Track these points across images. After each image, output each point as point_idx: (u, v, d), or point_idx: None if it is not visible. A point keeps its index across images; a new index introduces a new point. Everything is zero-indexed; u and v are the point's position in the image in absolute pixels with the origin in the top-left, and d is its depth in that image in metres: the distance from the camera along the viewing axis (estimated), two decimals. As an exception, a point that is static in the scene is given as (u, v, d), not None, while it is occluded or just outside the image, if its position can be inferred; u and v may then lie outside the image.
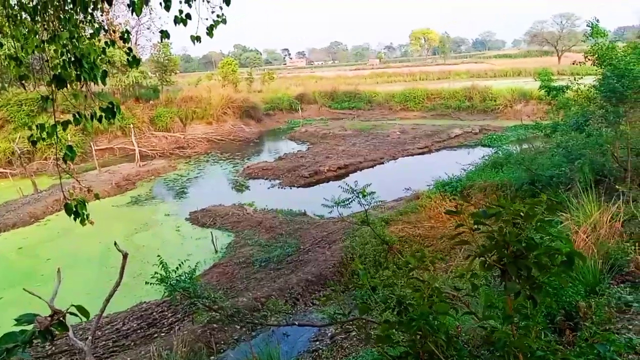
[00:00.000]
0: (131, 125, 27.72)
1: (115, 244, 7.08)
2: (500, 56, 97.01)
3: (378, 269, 10.37)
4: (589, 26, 11.61)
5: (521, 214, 1.77)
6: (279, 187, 19.63)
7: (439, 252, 10.64)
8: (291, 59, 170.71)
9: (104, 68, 3.88)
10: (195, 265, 8.39)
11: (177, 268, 7.36)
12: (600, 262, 5.39)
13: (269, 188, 19.73)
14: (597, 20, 11.44)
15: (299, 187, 19.52)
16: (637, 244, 5.57)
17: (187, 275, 7.34)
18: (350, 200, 8.89)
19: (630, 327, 4.17)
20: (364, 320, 4.66)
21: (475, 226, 1.90)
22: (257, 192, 19.29)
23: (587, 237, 5.91)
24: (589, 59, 11.08)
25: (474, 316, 2.40)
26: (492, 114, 33.20)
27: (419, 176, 17.70)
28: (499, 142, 23.62)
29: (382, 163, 22.80)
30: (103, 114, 3.71)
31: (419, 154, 24.49)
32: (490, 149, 21.00)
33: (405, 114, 37.06)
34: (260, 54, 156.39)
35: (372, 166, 22.29)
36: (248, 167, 23.15)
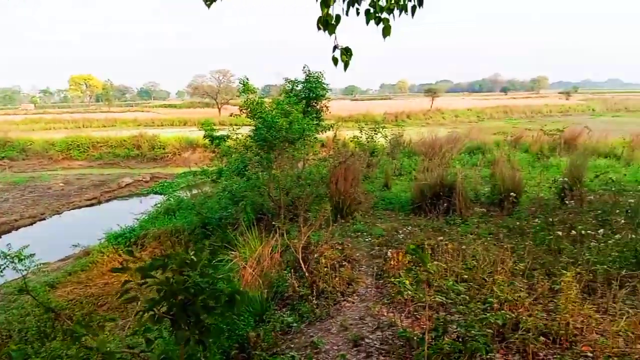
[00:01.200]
0: None
1: None
2: (166, 106, 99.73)
3: (44, 342, 8.96)
4: (241, 83, 13.13)
5: (187, 261, 1.81)
6: None
7: (115, 309, 9.99)
8: None
9: None
10: None
11: None
12: (266, 291, 6.01)
13: None
14: (247, 79, 13.06)
15: None
16: (292, 270, 6.45)
17: None
18: (2, 267, 7.45)
19: (292, 345, 4.76)
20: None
21: (143, 280, 1.84)
22: None
23: (253, 270, 6.51)
24: (243, 112, 12.45)
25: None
26: (162, 162, 33.64)
27: (89, 230, 16.29)
28: (170, 189, 24.01)
29: (44, 219, 20.09)
30: None
31: (88, 205, 22.66)
32: (163, 196, 21.16)
33: (69, 163, 33.85)
34: None
35: (32, 223, 19.38)
36: None
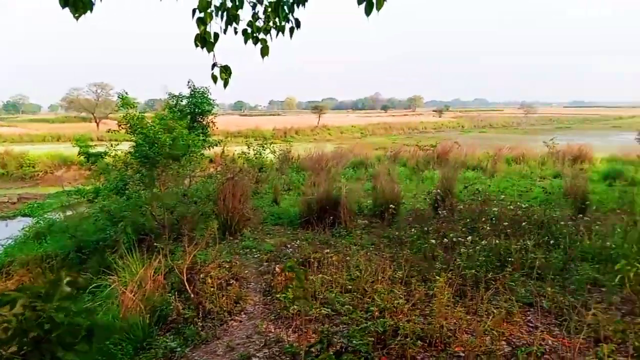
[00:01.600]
0: None
1: None
2: (36, 120, 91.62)
3: None
4: (119, 97, 12.44)
5: (40, 294, 1.66)
6: None
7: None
8: None
9: None
10: None
11: None
12: (149, 316, 5.71)
13: None
14: (126, 92, 12.41)
15: None
16: (177, 292, 6.22)
17: None
18: None
19: (177, 371, 4.58)
20: None
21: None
22: None
23: (134, 295, 6.15)
24: (122, 127, 11.78)
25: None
26: (32, 181, 30.72)
27: (-61, 260, 14.37)
28: (40, 210, 21.97)
29: None
30: None
31: None
32: (32, 218, 19.32)
33: None
34: None
35: None
36: None
